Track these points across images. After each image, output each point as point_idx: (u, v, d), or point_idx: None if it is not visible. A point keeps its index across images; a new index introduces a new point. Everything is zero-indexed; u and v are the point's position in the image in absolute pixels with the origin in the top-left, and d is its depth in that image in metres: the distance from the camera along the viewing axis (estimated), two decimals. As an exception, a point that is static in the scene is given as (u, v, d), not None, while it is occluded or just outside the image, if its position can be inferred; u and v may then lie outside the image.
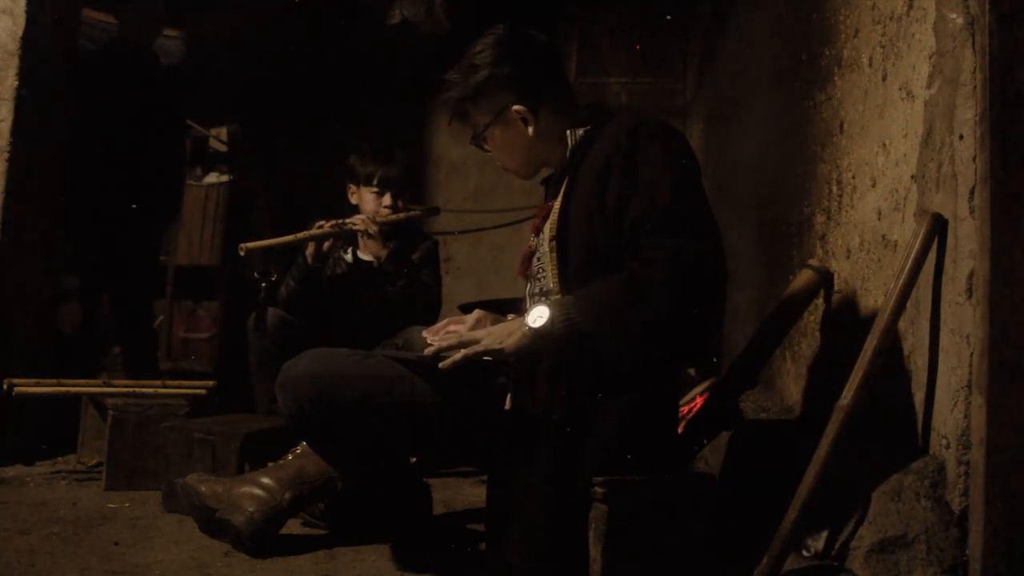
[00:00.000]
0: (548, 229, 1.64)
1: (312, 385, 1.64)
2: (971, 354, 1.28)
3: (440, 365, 1.55)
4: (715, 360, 2.86)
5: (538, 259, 1.70)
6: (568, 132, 1.69)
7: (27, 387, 2.54)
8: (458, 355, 1.54)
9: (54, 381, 2.61)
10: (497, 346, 1.52)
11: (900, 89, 1.60)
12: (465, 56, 1.73)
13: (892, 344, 1.44)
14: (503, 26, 1.74)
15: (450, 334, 1.63)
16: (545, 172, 1.80)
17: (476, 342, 1.54)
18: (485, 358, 1.53)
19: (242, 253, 2.57)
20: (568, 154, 1.68)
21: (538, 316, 1.49)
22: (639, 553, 1.41)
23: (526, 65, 1.71)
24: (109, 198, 3.38)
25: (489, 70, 1.69)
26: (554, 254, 1.60)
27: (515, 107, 1.69)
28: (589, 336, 1.44)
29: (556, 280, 1.60)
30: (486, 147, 1.77)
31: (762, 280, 2.80)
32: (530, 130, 1.70)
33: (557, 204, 1.63)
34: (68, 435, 2.76)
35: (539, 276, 1.68)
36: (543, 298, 1.65)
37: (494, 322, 1.67)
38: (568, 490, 1.42)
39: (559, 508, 1.43)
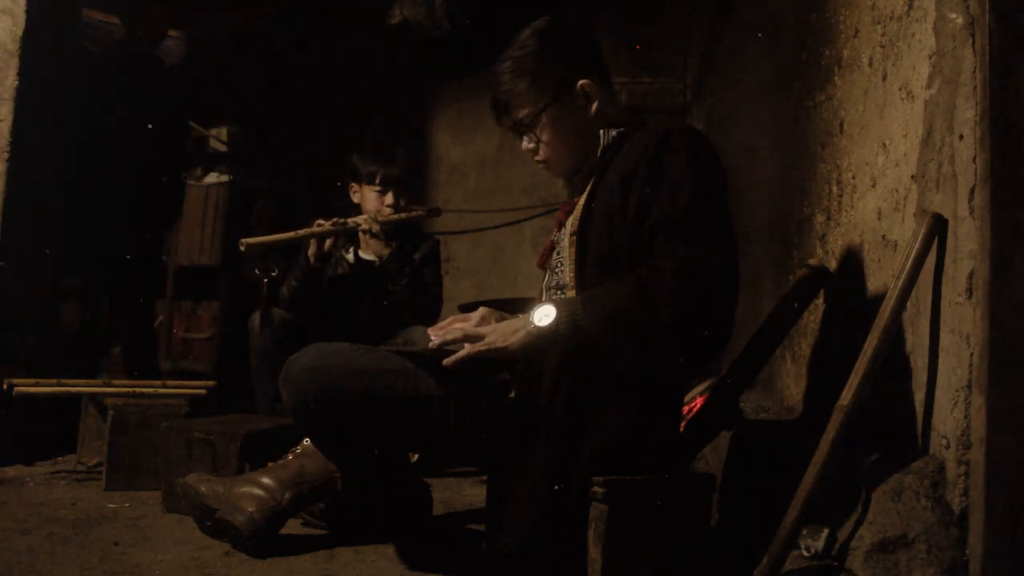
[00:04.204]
0: (570, 224, 1.65)
1: (316, 378, 1.65)
2: (971, 354, 1.28)
3: (444, 362, 1.55)
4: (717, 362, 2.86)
5: (557, 253, 1.71)
6: (602, 131, 1.69)
7: (27, 387, 2.54)
8: (462, 352, 1.54)
9: (54, 381, 2.61)
10: (501, 344, 1.52)
11: (900, 89, 1.60)
12: (515, 43, 1.71)
13: (892, 344, 1.44)
14: (547, 18, 1.74)
15: (455, 330, 1.63)
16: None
17: (480, 338, 1.54)
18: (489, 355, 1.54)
19: (243, 248, 2.58)
20: (599, 152, 1.69)
21: (544, 315, 1.49)
22: (639, 553, 1.41)
23: (583, 46, 1.73)
24: (109, 198, 3.39)
25: (552, 49, 1.69)
26: (573, 249, 1.61)
27: (581, 81, 1.68)
28: (593, 338, 1.44)
29: (572, 275, 1.60)
30: (533, 137, 1.71)
31: (762, 280, 2.80)
32: (592, 108, 1.69)
33: (582, 200, 1.64)
34: (68, 435, 2.76)
35: (557, 269, 1.69)
36: (558, 291, 1.66)
37: (499, 320, 1.67)
38: (566, 484, 1.43)
39: (555, 500, 1.43)
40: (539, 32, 1.71)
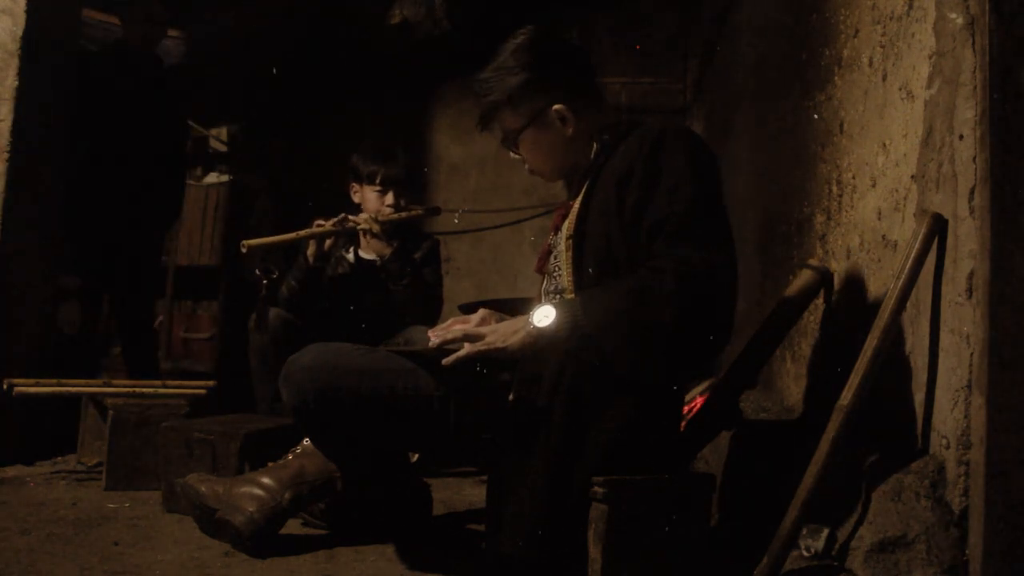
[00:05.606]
0: (566, 227, 1.64)
1: (316, 377, 1.65)
2: (971, 354, 1.28)
3: (443, 361, 1.55)
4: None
5: (555, 257, 1.71)
6: (596, 134, 1.69)
7: (27, 387, 2.54)
8: (462, 351, 1.54)
9: (54, 381, 2.61)
10: (501, 344, 1.52)
11: (900, 89, 1.60)
12: (497, 58, 1.71)
13: (892, 344, 1.44)
14: (532, 28, 1.73)
15: (455, 330, 1.63)
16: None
17: (481, 338, 1.54)
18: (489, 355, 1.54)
19: (244, 250, 2.57)
20: (593, 155, 1.69)
21: (544, 316, 1.49)
22: (639, 553, 1.41)
23: (562, 66, 1.72)
24: (109, 198, 3.38)
25: (527, 72, 1.68)
26: (570, 252, 1.61)
27: (555, 107, 1.68)
28: (593, 339, 1.44)
29: (570, 278, 1.60)
30: (519, 151, 1.75)
31: (762, 280, 2.80)
32: (569, 131, 1.69)
33: (577, 203, 1.64)
34: (68, 435, 2.76)
35: (555, 273, 1.69)
36: (557, 295, 1.65)
37: (499, 320, 1.67)
38: (566, 485, 1.42)
39: (555, 502, 1.42)
40: (517, 51, 1.69)
